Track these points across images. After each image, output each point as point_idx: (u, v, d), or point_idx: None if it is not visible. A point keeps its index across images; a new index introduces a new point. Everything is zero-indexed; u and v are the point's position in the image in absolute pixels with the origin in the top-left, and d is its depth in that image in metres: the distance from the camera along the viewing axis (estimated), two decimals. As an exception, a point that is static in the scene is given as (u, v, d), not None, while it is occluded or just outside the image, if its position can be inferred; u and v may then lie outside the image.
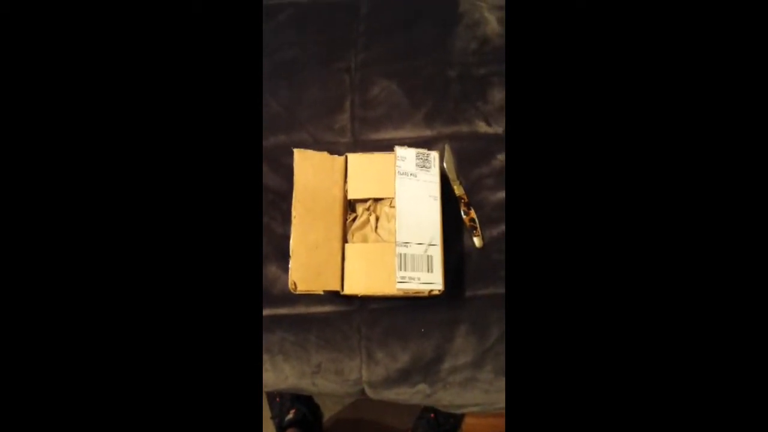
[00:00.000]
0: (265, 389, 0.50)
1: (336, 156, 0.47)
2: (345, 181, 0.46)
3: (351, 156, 0.47)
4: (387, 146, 0.49)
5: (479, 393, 0.48)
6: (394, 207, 0.46)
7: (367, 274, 0.43)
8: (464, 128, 0.53)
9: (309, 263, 0.42)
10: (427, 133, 0.53)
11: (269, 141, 0.54)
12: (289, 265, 0.42)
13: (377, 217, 0.47)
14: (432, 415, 0.74)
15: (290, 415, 0.73)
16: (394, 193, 0.44)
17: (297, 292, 0.42)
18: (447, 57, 0.55)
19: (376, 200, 0.47)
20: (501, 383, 0.48)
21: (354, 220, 0.46)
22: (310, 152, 0.45)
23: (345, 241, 0.45)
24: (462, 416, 0.73)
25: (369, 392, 0.49)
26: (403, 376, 0.48)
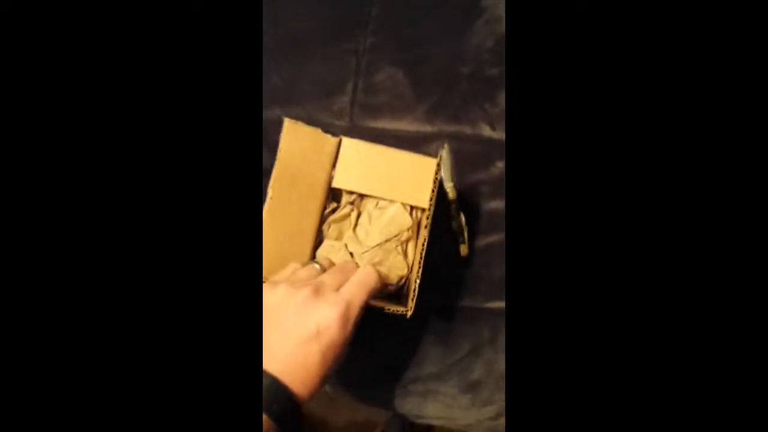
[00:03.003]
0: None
1: (329, 136, 0.42)
2: (333, 167, 0.43)
3: (346, 140, 0.42)
4: (384, 136, 0.46)
5: (440, 406, 0.46)
6: (380, 208, 0.43)
7: None
8: (467, 129, 0.50)
9: (280, 253, 0.39)
10: (428, 128, 0.50)
11: (264, 114, 0.51)
12: None
13: (359, 213, 0.44)
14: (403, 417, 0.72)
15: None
16: (385, 193, 0.41)
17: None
18: (460, 52, 0.52)
19: (362, 196, 0.44)
20: (464, 400, 0.46)
21: (334, 210, 0.44)
22: (301, 125, 0.41)
23: (320, 232, 0.42)
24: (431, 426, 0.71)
25: (329, 390, 0.47)
26: (366, 376, 0.46)
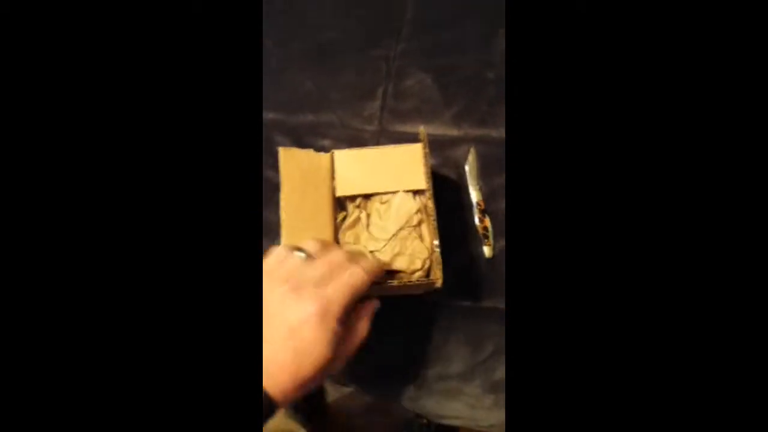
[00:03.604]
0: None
1: (322, 153, 0.45)
2: (332, 179, 0.45)
3: (337, 152, 0.45)
4: (412, 140, 0.47)
5: (463, 406, 0.46)
6: (385, 203, 0.45)
7: None
8: (493, 133, 0.51)
9: None
10: (455, 132, 0.52)
11: (297, 119, 0.54)
12: None
13: (368, 214, 0.45)
14: (425, 420, 0.72)
15: None
16: (385, 187, 0.43)
17: None
18: (488, 58, 0.53)
19: (366, 197, 0.45)
20: (487, 400, 0.46)
21: (344, 219, 0.45)
22: (295, 150, 0.44)
23: (337, 242, 0.44)
24: (455, 429, 0.71)
25: (355, 384, 0.48)
26: (390, 374, 0.47)
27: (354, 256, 0.34)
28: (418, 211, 0.44)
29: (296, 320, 0.29)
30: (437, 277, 0.39)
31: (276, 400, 0.28)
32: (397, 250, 0.43)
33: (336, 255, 0.33)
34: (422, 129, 0.44)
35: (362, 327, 0.34)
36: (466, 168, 0.50)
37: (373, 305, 0.36)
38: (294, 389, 0.29)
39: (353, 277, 0.32)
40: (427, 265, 0.44)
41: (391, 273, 0.44)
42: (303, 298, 0.30)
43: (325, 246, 0.35)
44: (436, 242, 0.39)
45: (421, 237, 0.44)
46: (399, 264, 0.43)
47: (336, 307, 0.30)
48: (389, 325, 0.47)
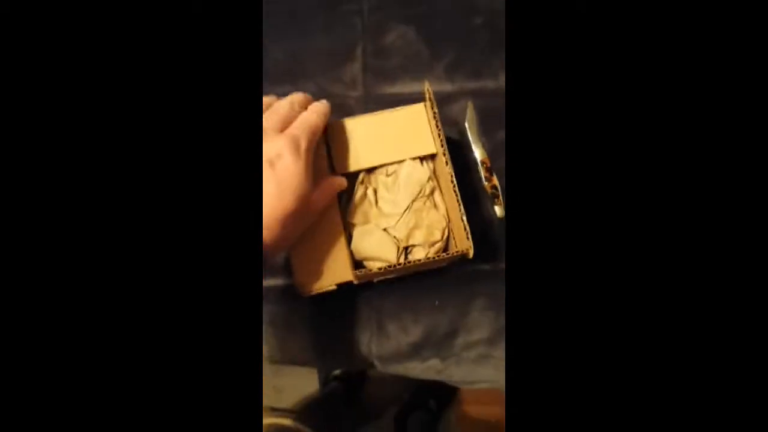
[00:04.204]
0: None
1: None
2: (329, 154, 0.40)
3: (329, 124, 0.41)
4: (403, 101, 0.44)
5: (492, 370, 0.45)
6: (391, 175, 0.41)
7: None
8: (490, 84, 0.48)
9: (312, 258, 0.38)
10: (448, 87, 0.48)
11: (273, 91, 0.48)
12: (291, 267, 0.38)
13: (374, 189, 0.42)
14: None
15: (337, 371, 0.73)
16: (390, 158, 0.40)
17: (307, 295, 0.38)
18: (472, 1, 0.49)
19: (369, 171, 0.42)
20: (517, 361, 0.45)
21: (351, 197, 0.42)
22: None
23: (344, 222, 0.40)
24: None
25: (379, 366, 0.46)
26: (415, 351, 0.45)
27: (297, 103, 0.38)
28: (430, 178, 0.41)
29: (273, 153, 0.32)
30: (467, 246, 0.36)
31: (264, 243, 0.31)
32: (412, 223, 0.40)
33: (283, 107, 0.37)
34: (427, 85, 0.40)
35: (323, 195, 0.37)
36: (466, 125, 0.47)
37: (337, 182, 0.39)
38: (279, 225, 0.32)
39: (309, 116, 0.36)
40: (446, 235, 0.41)
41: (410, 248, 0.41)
42: (272, 138, 0.33)
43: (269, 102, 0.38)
44: (462, 210, 0.37)
45: (435, 206, 0.41)
46: (417, 238, 0.40)
47: (303, 142, 0.34)
48: (408, 300, 0.45)
